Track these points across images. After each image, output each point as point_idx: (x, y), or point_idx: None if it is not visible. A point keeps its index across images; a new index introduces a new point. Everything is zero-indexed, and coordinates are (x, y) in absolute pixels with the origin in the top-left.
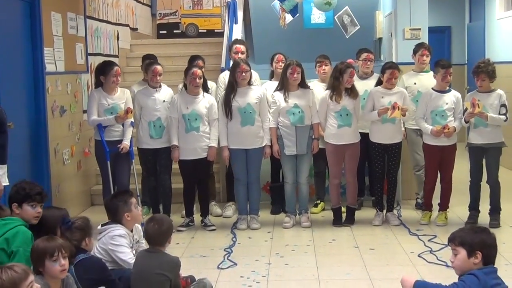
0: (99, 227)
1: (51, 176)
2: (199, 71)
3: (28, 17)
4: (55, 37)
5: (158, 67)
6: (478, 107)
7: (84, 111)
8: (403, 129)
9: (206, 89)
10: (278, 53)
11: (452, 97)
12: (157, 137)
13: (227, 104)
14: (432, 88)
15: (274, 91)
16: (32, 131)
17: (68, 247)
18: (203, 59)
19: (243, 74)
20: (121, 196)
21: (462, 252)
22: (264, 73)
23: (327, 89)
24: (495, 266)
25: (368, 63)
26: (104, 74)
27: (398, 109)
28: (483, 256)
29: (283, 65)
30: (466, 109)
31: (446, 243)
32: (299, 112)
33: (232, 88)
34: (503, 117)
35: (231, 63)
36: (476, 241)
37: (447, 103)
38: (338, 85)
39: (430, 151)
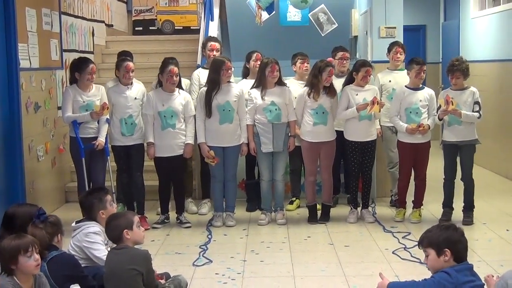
0: (73, 224)
1: (25, 173)
2: (176, 69)
3: (2, 12)
4: (30, 33)
5: (131, 64)
6: (452, 104)
7: (59, 108)
8: (378, 126)
9: (180, 86)
10: (255, 51)
11: (425, 94)
12: (129, 134)
13: (208, 102)
14: (406, 86)
15: (250, 89)
16: (6, 128)
17: (39, 244)
18: (176, 60)
19: (229, 71)
20: (96, 193)
21: (432, 253)
22: (240, 70)
23: (305, 86)
24: (470, 263)
25: (344, 61)
26: (79, 71)
27: (377, 104)
28: (452, 253)
29: None
30: (440, 106)
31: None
32: (276, 109)
33: (215, 86)
34: (476, 114)
35: (206, 61)
36: (442, 239)
37: (420, 100)
38: (317, 83)
39: (404, 149)
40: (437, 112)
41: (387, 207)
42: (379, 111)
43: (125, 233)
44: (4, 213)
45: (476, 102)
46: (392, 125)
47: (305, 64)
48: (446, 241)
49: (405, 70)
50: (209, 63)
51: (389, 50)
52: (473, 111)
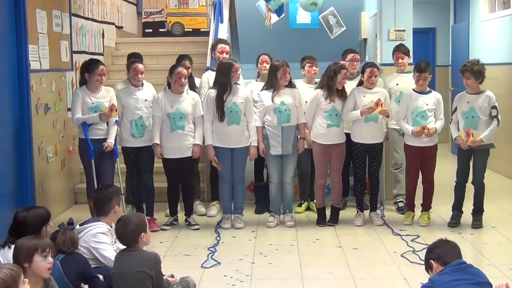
0: (77, 226)
1: (35, 174)
2: (184, 71)
3: (12, 14)
4: (40, 35)
5: (140, 66)
6: (473, 136)
7: (69, 109)
8: (385, 130)
9: (193, 88)
10: (263, 54)
11: (432, 98)
12: (139, 135)
13: (220, 105)
14: (413, 89)
15: (261, 90)
16: (16, 129)
17: (55, 249)
18: (191, 58)
19: (237, 73)
20: (111, 188)
21: (430, 274)
22: (248, 72)
23: (318, 88)
24: (462, 262)
25: (355, 63)
26: (89, 71)
27: (381, 106)
28: (435, 261)
29: (267, 66)
30: (456, 116)
31: (429, 243)
32: (285, 110)
33: (226, 89)
34: (494, 123)
35: (215, 63)
36: (425, 257)
37: (427, 104)
38: (333, 85)
39: (411, 152)
40: (451, 114)
41: (395, 210)
42: (387, 117)
43: (142, 236)
44: (14, 218)
45: (494, 107)
46: (398, 127)
47: (314, 68)
48: (427, 254)
49: (412, 73)
50: None
51: (393, 54)
52: (490, 116)
